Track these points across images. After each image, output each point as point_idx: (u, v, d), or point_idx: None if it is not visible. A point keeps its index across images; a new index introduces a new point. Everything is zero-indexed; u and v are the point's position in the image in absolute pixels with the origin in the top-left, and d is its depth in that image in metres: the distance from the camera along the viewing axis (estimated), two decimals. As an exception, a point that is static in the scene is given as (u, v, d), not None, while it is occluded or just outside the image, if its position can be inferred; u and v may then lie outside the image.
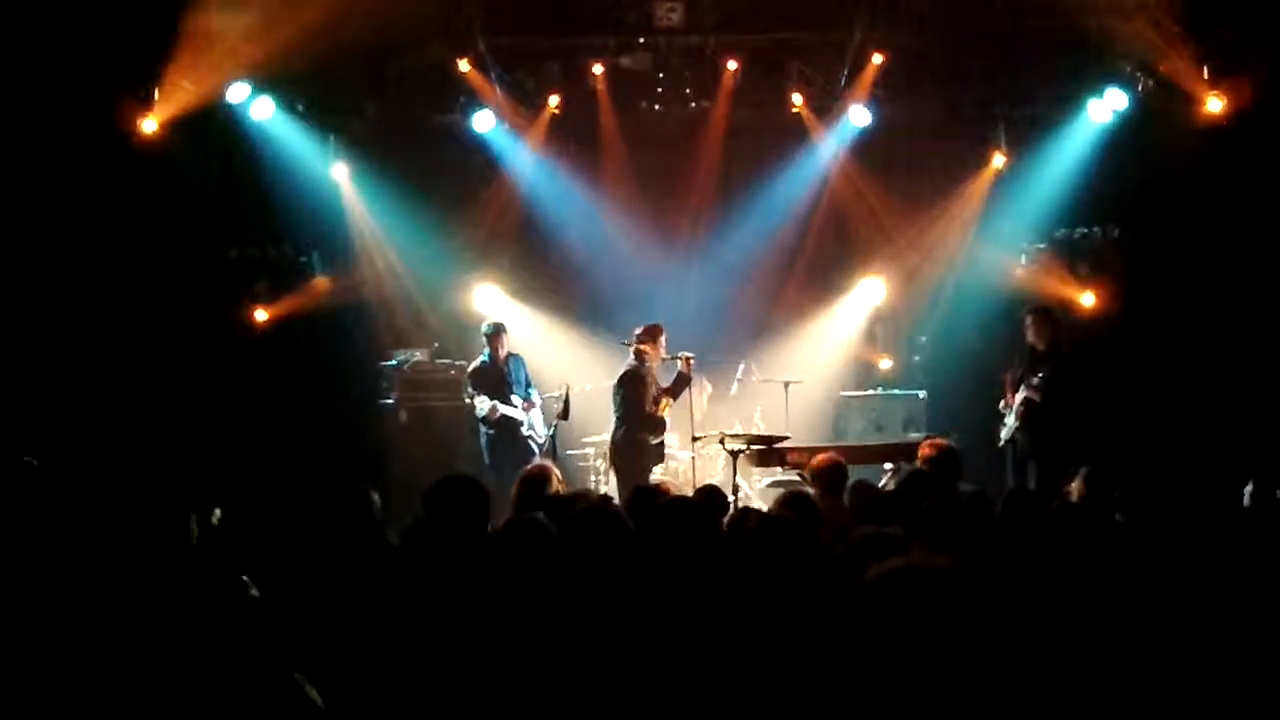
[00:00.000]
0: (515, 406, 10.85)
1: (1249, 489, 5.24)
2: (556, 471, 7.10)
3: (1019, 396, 10.01)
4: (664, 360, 10.50)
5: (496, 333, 11.01)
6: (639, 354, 10.33)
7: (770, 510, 5.93)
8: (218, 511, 4.38)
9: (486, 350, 11.00)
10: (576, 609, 3.98)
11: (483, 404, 10.69)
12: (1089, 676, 3.68)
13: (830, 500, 6.95)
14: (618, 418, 10.33)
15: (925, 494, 5.37)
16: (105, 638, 4.12)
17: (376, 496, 5.48)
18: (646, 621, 3.88)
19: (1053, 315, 10.36)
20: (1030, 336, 10.14)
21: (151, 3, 10.47)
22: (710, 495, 6.56)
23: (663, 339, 10.42)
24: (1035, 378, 9.81)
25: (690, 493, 9.53)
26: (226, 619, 4.17)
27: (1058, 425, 9.84)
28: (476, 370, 10.99)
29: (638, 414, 10.26)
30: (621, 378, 10.37)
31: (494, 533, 4.96)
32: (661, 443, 10.51)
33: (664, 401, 10.31)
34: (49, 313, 10.70)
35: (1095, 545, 4.42)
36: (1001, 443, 10.26)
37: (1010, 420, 10.12)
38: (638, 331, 10.40)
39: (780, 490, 7.70)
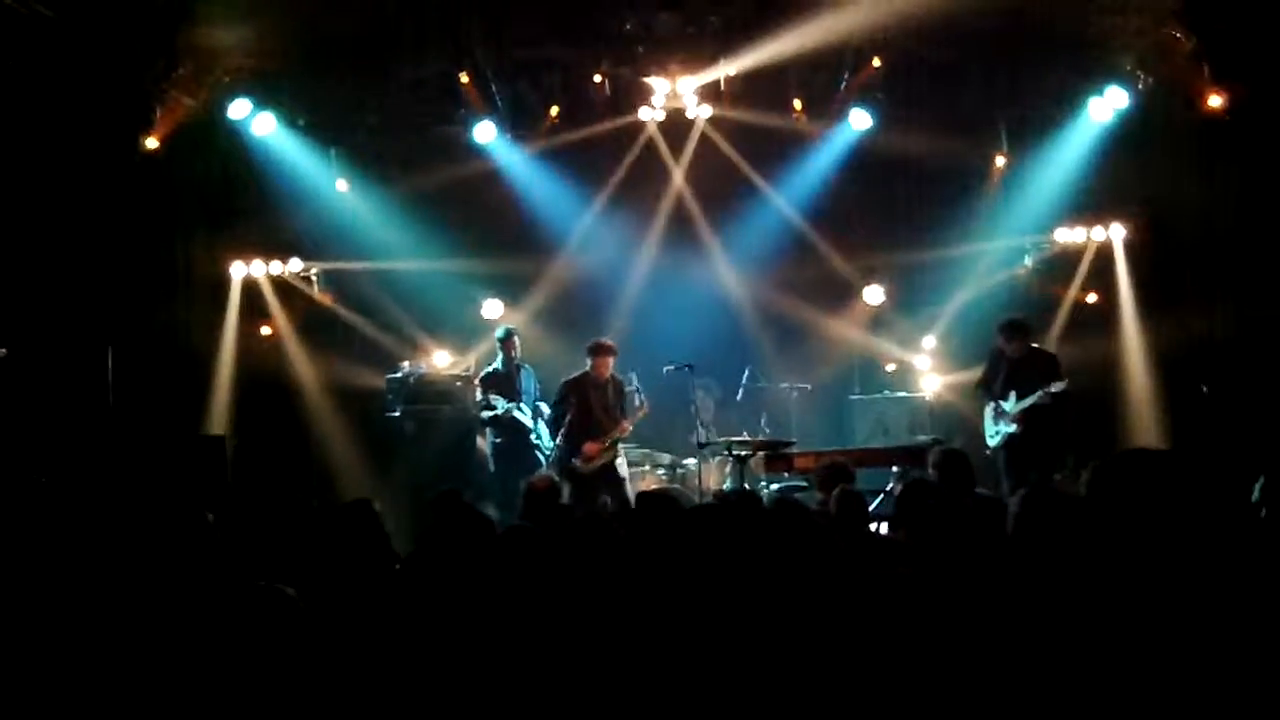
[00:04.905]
0: (525, 414, 10.84)
1: (1259, 484, 5.21)
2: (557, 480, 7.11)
3: (1022, 403, 10.03)
4: (630, 390, 10.52)
5: (509, 337, 11.02)
6: (593, 366, 10.44)
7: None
8: (210, 516, 4.39)
9: (500, 356, 11.01)
10: (579, 614, 3.99)
11: (497, 402, 10.69)
12: (1095, 672, 3.68)
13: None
14: None
15: (928, 501, 5.38)
16: (124, 641, 4.13)
17: (379, 507, 5.48)
18: (642, 623, 3.89)
19: (1026, 324, 10.42)
20: (1005, 348, 10.24)
21: (149, 19, 10.48)
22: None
23: (605, 360, 10.44)
24: (1054, 385, 9.83)
25: (697, 500, 9.61)
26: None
27: (1065, 428, 9.99)
28: (488, 374, 10.99)
29: (561, 431, 10.42)
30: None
31: (497, 541, 4.97)
32: (609, 465, 10.44)
33: (587, 448, 10.28)
34: (58, 328, 10.72)
35: (1102, 541, 4.41)
36: (992, 449, 10.29)
37: (1003, 426, 10.16)
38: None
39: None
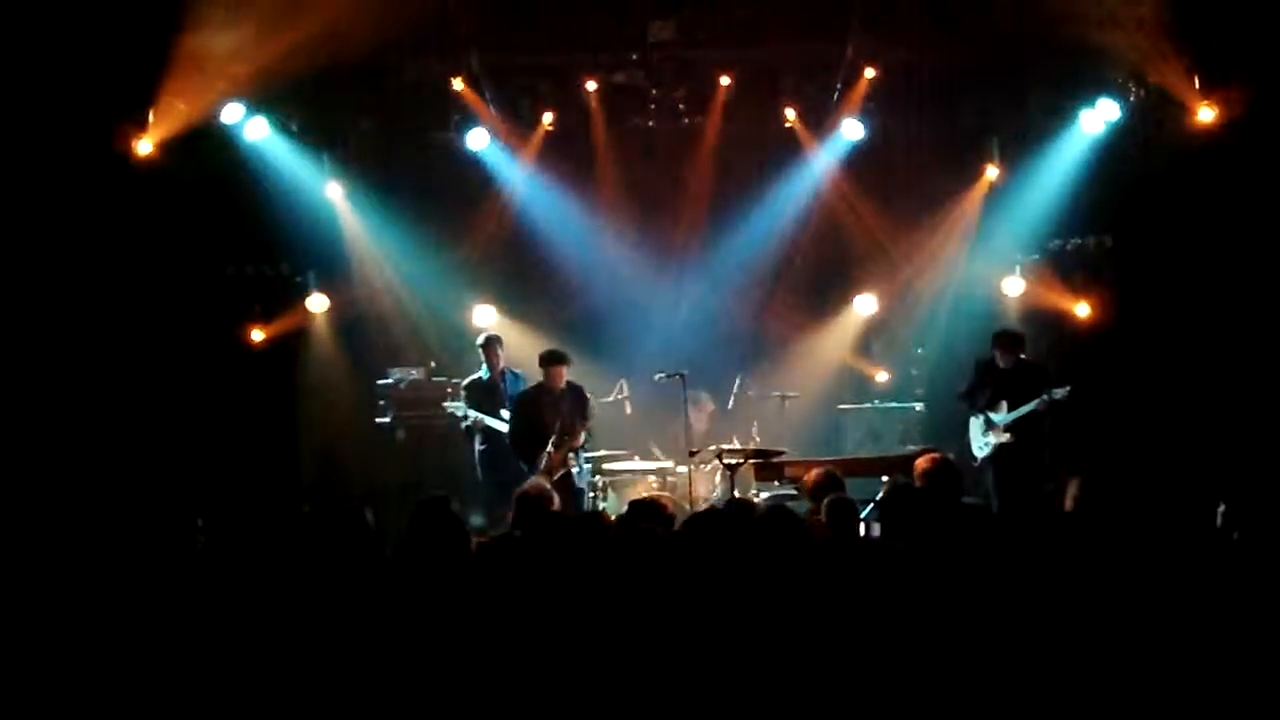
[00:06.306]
0: (505, 421, 10.80)
1: (1220, 511, 5.20)
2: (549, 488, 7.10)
3: (1017, 412, 10.06)
4: (590, 398, 10.52)
5: (489, 344, 11.00)
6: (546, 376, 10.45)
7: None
8: (200, 522, 4.41)
9: (484, 365, 10.99)
10: (564, 622, 4.00)
11: (456, 408, 10.72)
12: (1083, 677, 3.69)
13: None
14: None
15: (914, 508, 5.40)
16: (112, 642, 4.14)
17: (371, 514, 5.48)
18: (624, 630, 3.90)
19: (1020, 336, 10.51)
20: (998, 359, 10.33)
21: (144, 24, 10.47)
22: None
23: (559, 369, 10.45)
24: (1058, 390, 9.87)
25: (688, 509, 9.61)
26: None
27: (1054, 440, 10.08)
28: (471, 383, 10.99)
29: (515, 441, 10.40)
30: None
31: (481, 548, 4.98)
32: (566, 474, 10.35)
33: (546, 457, 10.19)
34: (51, 332, 10.70)
35: (1090, 553, 4.44)
36: (979, 460, 10.33)
37: (993, 438, 10.20)
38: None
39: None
